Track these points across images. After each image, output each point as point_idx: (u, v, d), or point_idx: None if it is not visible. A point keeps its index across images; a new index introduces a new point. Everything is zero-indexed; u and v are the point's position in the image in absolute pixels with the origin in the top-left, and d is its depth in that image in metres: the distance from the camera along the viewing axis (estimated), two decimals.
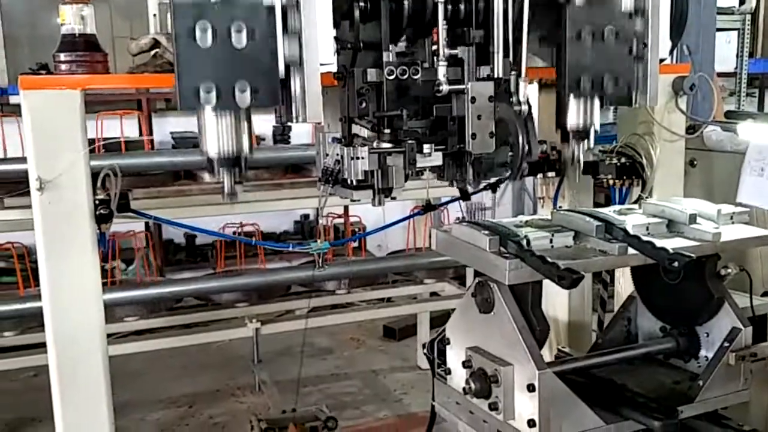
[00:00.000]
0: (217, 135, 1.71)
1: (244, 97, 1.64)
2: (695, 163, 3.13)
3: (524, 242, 1.77)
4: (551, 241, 1.85)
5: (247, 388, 5.02)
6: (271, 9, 1.65)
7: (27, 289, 4.45)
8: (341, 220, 5.79)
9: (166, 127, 6.33)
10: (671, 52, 2.04)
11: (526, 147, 1.93)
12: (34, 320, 3.94)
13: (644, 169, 2.64)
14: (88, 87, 1.97)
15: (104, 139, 4.43)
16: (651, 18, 1.93)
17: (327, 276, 4.24)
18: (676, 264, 1.73)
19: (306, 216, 7.05)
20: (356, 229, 5.86)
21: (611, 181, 2.66)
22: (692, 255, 1.77)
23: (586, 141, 2.09)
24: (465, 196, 2.32)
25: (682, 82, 2.59)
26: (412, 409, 4.72)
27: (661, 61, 2.01)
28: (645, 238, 1.84)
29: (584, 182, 2.89)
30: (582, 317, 3.06)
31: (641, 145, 2.66)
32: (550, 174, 2.76)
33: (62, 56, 2.08)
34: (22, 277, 4.49)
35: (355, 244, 5.77)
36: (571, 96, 1.98)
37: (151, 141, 5.88)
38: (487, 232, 1.77)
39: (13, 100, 5.41)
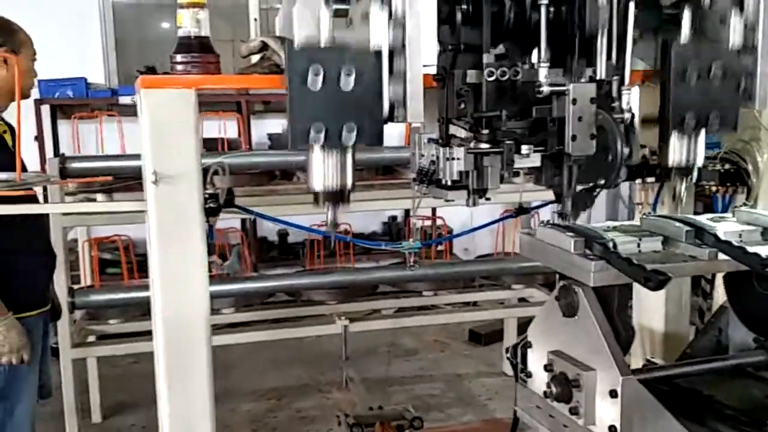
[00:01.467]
0: (323, 171, 1.77)
1: (349, 137, 1.71)
2: None
3: (610, 245, 1.74)
4: (639, 245, 1.82)
5: (334, 384, 5.12)
6: (378, 53, 1.71)
7: (131, 280, 4.72)
8: (428, 223, 5.82)
9: (263, 128, 6.54)
10: None
11: (625, 152, 1.90)
12: (138, 309, 4.16)
13: (749, 176, 2.55)
14: (202, 86, 2.08)
15: (206, 139, 4.64)
16: (762, 21, 1.87)
17: (416, 277, 4.27)
18: None
19: (394, 218, 7.12)
20: (443, 233, 5.87)
21: (714, 188, 2.58)
22: None
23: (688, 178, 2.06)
24: (560, 200, 2.31)
25: None
26: (497, 414, 4.70)
27: None
28: (737, 244, 1.78)
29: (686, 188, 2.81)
30: (678, 327, 2.97)
31: (747, 151, 2.57)
32: (650, 179, 2.70)
33: (178, 57, 2.20)
34: (127, 269, 4.76)
35: (441, 247, 5.79)
36: (675, 133, 1.95)
37: (249, 141, 6.10)
38: (572, 234, 1.76)
39: (122, 100, 5.70)
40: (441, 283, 4.56)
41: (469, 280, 4.85)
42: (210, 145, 5.00)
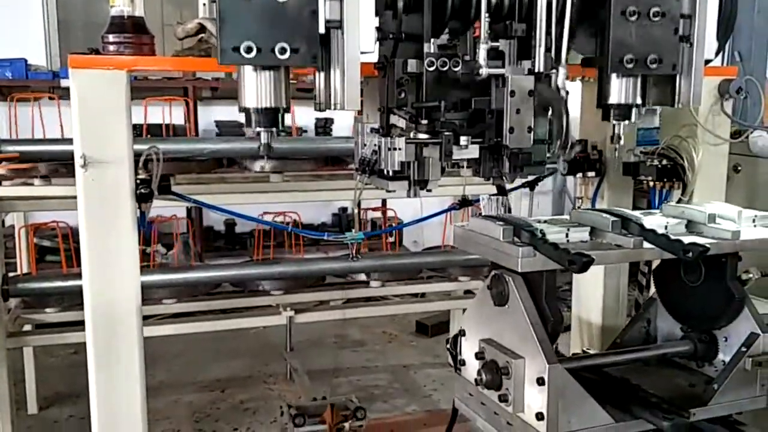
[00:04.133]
0: (256, 89, 1.72)
1: (284, 56, 1.65)
2: (739, 168, 3.07)
3: (538, 233, 1.78)
4: (567, 235, 1.87)
5: (278, 376, 5.08)
6: None
7: (70, 268, 4.58)
8: (378, 214, 5.81)
9: (211, 115, 6.43)
10: (717, 54, 2.00)
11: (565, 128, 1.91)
12: (76, 298, 4.04)
13: (686, 172, 2.61)
14: (135, 68, 2.02)
15: (150, 125, 4.54)
16: (698, 17, 1.90)
17: (361, 268, 4.25)
18: (690, 254, 1.73)
19: (344, 209, 7.10)
20: (392, 224, 5.87)
21: (651, 183, 2.63)
22: (707, 246, 1.77)
23: (627, 121, 2.06)
24: (501, 191, 2.32)
25: (729, 85, 2.55)
26: (441, 405, 4.72)
27: (707, 62, 1.98)
28: (661, 233, 1.84)
29: (624, 183, 2.86)
30: (615, 321, 3.03)
31: (684, 147, 2.62)
32: (590, 174, 2.74)
33: (110, 37, 2.13)
34: (65, 257, 4.62)
35: (391, 239, 5.78)
36: (614, 75, 1.96)
37: (196, 128, 5.99)
38: (501, 223, 1.80)
39: (64, 83, 5.54)
40: (389, 274, 4.56)
41: (416, 272, 4.86)
42: (154, 131, 4.88)
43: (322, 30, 1.70)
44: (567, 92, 1.85)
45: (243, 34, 1.60)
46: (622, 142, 2.04)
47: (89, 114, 2.01)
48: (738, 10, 2.11)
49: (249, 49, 1.60)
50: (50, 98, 5.54)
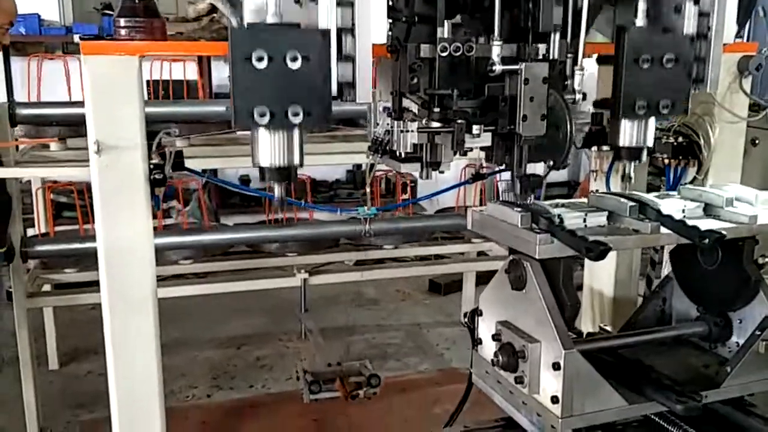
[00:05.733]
0: (270, 150, 1.73)
1: (296, 119, 1.66)
2: (757, 142, 3.03)
3: (556, 219, 1.78)
4: (585, 220, 1.86)
5: (293, 333, 5.17)
6: (325, 33, 1.65)
7: (87, 224, 4.63)
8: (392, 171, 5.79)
9: (224, 70, 6.38)
10: (736, 37, 1.96)
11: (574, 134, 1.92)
12: (94, 258, 4.10)
13: (701, 150, 2.57)
14: (146, 53, 2.01)
15: (159, 82, 4.50)
16: (717, 2, 1.86)
17: (375, 231, 4.27)
18: (707, 241, 1.73)
19: (359, 166, 7.08)
20: (407, 182, 5.87)
21: (666, 161, 2.60)
22: (723, 233, 1.77)
23: (637, 162, 2.07)
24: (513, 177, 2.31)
25: (748, 62, 2.49)
26: (453, 364, 4.82)
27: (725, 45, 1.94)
28: (678, 218, 1.84)
29: None
30: (628, 292, 3.03)
31: (700, 125, 2.58)
32: (605, 147, 2.70)
33: (122, 21, 2.10)
34: (81, 214, 4.66)
35: (404, 196, 5.79)
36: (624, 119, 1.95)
37: (210, 86, 5.96)
38: (519, 209, 1.80)
39: (77, 39, 5.51)
40: (402, 236, 4.58)
41: (430, 233, 4.88)
42: (175, 88, 4.84)
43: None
44: (584, 94, 1.83)
45: (257, 99, 1.60)
46: (632, 182, 2.03)
47: (102, 100, 2.00)
48: None
49: (263, 114, 1.59)
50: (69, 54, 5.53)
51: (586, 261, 3.15)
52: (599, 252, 1.64)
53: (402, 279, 6.04)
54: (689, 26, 1.86)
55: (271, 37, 1.59)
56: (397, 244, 4.50)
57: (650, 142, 1.97)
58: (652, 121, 1.95)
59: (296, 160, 1.76)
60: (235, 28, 1.56)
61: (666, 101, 1.87)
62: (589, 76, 2.08)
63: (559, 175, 7.24)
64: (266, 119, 1.61)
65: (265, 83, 1.59)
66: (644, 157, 2.00)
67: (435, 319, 5.60)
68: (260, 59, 1.56)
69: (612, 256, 2.97)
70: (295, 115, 1.63)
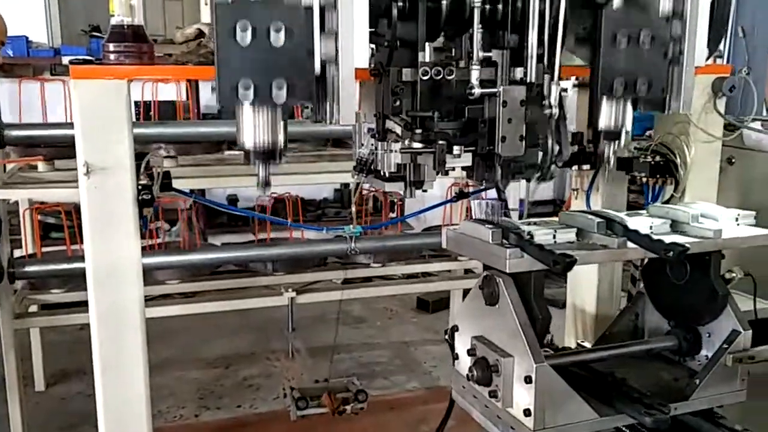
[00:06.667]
0: (253, 128, 1.75)
1: (280, 94, 1.67)
2: (733, 160, 3.09)
3: (526, 236, 1.85)
4: (554, 236, 1.93)
5: (281, 353, 5.18)
6: (309, 9, 1.68)
7: (74, 245, 4.63)
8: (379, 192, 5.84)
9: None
10: (708, 58, 2.02)
11: (556, 149, 1.98)
12: (81, 279, 4.11)
13: (678, 169, 2.64)
14: (135, 77, 2.05)
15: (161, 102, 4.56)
16: (689, 24, 1.92)
17: (362, 249, 4.30)
18: (671, 254, 1.80)
19: (346, 185, 7.12)
20: (395, 200, 5.91)
21: (644, 179, 2.66)
22: (687, 245, 1.84)
23: (617, 142, 2.10)
24: (497, 192, 2.36)
25: (722, 84, 2.56)
26: (440, 382, 4.83)
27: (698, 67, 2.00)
28: (644, 233, 1.91)
29: (618, 177, 2.89)
30: (609, 309, 3.09)
31: (676, 144, 2.65)
32: (585, 167, 2.75)
33: (111, 46, 2.14)
34: (69, 234, 4.67)
35: (392, 215, 5.83)
36: (604, 98, 1.99)
37: (198, 105, 6.00)
38: (490, 226, 1.87)
39: (65, 60, 5.54)
40: (389, 254, 4.61)
41: (417, 251, 4.91)
42: (165, 109, 4.89)
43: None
44: (562, 107, 1.89)
45: (241, 74, 1.61)
46: (611, 164, 2.08)
47: (91, 123, 2.04)
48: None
49: (247, 88, 1.62)
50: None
51: (569, 278, 3.22)
52: (566, 264, 1.71)
53: (389, 296, 6.07)
54: (665, 5, 1.90)
55: (255, 10, 1.60)
56: (385, 262, 4.53)
57: (629, 125, 2.01)
58: (629, 106, 1.99)
59: (280, 140, 1.77)
60: (220, 2, 1.57)
61: (643, 80, 1.91)
62: (570, 101, 2.14)
63: (545, 194, 7.32)
64: (250, 93, 1.62)
65: (249, 58, 1.60)
66: (623, 140, 2.04)
67: (423, 337, 5.62)
68: (244, 29, 1.56)
69: (594, 273, 3.04)
70: (279, 88, 1.64)
